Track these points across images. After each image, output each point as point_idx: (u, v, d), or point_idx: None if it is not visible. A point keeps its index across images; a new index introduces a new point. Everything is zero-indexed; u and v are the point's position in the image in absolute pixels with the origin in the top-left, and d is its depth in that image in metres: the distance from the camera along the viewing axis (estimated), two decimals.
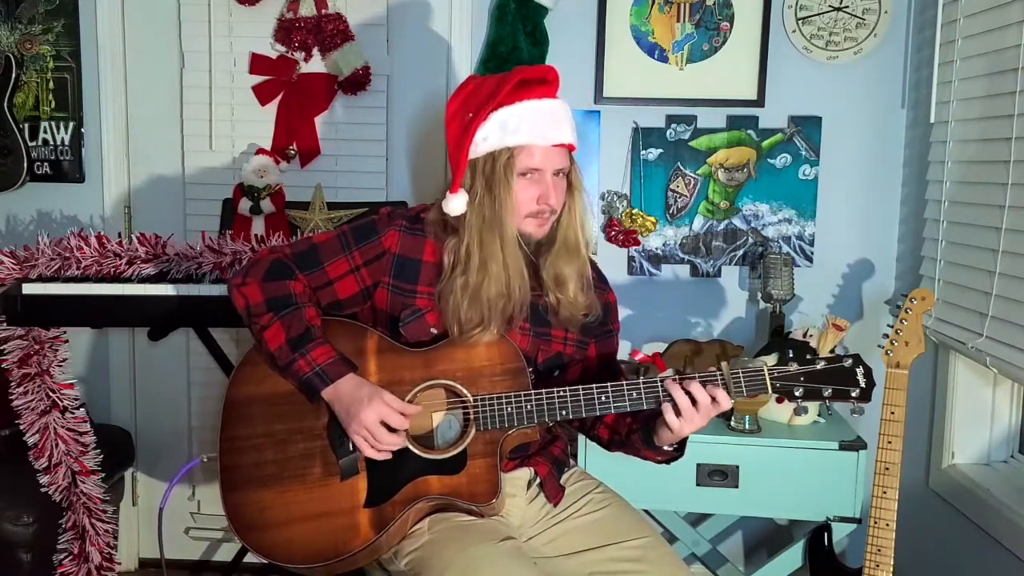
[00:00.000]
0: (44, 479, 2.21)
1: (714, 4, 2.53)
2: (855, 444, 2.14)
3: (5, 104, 2.60)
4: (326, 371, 1.58)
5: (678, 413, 1.52)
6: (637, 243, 2.57)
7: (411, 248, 1.68)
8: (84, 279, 2.12)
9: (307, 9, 2.54)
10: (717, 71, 2.55)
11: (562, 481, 1.76)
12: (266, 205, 2.48)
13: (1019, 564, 1.92)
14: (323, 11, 2.54)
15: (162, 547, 2.14)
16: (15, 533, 2.23)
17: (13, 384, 2.18)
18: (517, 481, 1.72)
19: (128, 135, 2.71)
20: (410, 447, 1.59)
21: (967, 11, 2.14)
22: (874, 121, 2.55)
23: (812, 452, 2.15)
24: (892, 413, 1.87)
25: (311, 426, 1.64)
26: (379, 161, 2.66)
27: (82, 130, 2.68)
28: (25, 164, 2.62)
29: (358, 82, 2.57)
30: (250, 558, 1.74)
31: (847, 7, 2.49)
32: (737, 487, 2.16)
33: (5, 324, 2.13)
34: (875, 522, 1.89)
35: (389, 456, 1.58)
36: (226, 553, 2.79)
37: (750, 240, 2.59)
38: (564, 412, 1.58)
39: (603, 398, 1.57)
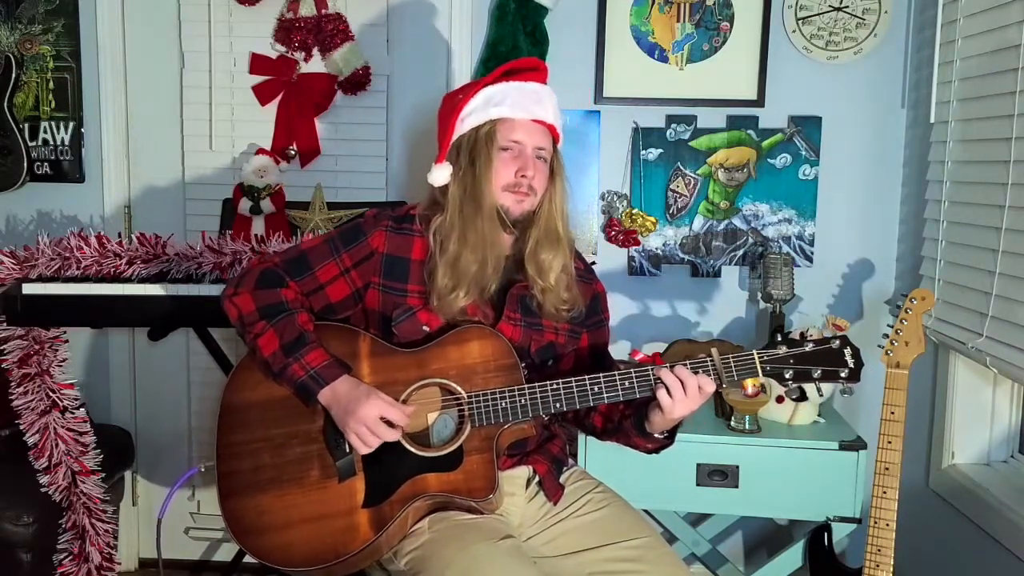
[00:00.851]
0: (44, 479, 2.21)
1: (714, 4, 2.53)
2: (855, 444, 2.14)
3: (5, 104, 2.60)
4: (321, 374, 1.58)
5: (669, 395, 1.55)
6: (637, 243, 2.58)
7: (399, 247, 1.69)
8: (84, 279, 2.12)
9: (307, 9, 2.54)
10: (717, 71, 2.55)
11: (561, 480, 1.76)
12: (266, 205, 2.48)
13: (1019, 564, 1.92)
14: (323, 11, 2.54)
15: (160, 553, 2.17)
16: (15, 533, 2.23)
17: (13, 384, 2.18)
18: (516, 480, 1.72)
19: (128, 135, 2.71)
20: (407, 445, 1.59)
21: (967, 11, 2.14)
22: (874, 121, 2.55)
23: (812, 452, 2.15)
24: (892, 413, 1.86)
25: (307, 429, 1.64)
26: (379, 161, 2.66)
27: (82, 130, 2.68)
28: (25, 164, 2.62)
29: (358, 82, 2.57)
30: (250, 558, 1.74)
31: (847, 7, 2.49)
32: (737, 487, 2.16)
33: (5, 324, 2.13)
34: (875, 522, 1.89)
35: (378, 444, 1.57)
36: (226, 553, 2.79)
37: (750, 240, 2.59)
38: (558, 404, 1.60)
39: (596, 389, 1.59)
